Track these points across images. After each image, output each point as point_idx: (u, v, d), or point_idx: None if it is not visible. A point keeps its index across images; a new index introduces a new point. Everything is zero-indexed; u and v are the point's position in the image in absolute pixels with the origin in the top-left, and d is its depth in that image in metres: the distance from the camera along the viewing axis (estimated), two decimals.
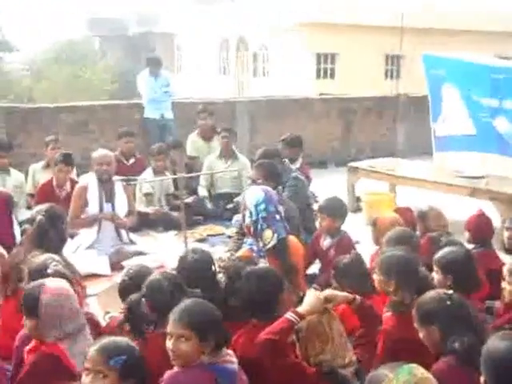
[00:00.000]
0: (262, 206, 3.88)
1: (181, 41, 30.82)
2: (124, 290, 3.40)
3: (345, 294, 3.10)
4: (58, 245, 4.12)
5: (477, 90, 7.10)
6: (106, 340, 2.51)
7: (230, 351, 2.74)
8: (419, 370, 2.25)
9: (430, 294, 2.94)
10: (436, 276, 3.54)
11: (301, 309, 2.91)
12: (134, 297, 3.15)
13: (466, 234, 4.66)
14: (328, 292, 3.04)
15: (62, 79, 27.77)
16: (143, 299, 3.11)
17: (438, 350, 2.82)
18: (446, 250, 3.64)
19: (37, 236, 4.09)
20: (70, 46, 31.81)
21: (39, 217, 4.17)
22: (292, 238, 4.06)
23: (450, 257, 3.56)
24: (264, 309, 3.04)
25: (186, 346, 2.60)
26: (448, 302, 2.82)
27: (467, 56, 7.69)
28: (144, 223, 6.41)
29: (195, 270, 3.49)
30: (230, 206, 6.87)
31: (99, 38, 36.77)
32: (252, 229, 3.90)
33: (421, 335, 2.89)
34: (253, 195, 3.95)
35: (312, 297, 2.94)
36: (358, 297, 3.11)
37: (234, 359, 2.71)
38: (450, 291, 2.92)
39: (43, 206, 4.37)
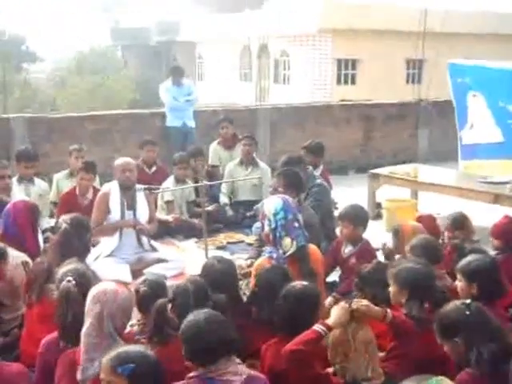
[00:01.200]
0: (281, 215, 3.90)
1: (202, 49, 31.05)
2: (143, 300, 3.42)
3: (377, 309, 3.09)
4: (82, 254, 4.13)
5: (503, 96, 7.08)
6: (118, 349, 2.54)
7: (234, 368, 2.71)
8: (447, 383, 2.28)
9: (449, 306, 2.93)
10: (459, 284, 3.52)
11: (329, 320, 2.96)
12: (160, 301, 3.19)
13: (494, 241, 4.62)
14: (361, 305, 3.03)
15: (84, 88, 28.13)
16: (169, 304, 3.17)
17: (465, 361, 2.80)
18: (470, 257, 3.61)
19: (61, 245, 4.12)
20: (92, 55, 32.23)
21: (64, 225, 4.22)
22: (311, 246, 4.06)
23: (475, 265, 3.51)
24: (300, 326, 3.04)
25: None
26: (467, 312, 2.81)
27: (492, 63, 7.66)
28: (165, 231, 6.42)
29: (218, 279, 3.53)
30: (251, 213, 6.88)
31: (121, 48, 37.18)
32: (271, 237, 3.93)
33: (445, 349, 2.88)
34: (271, 204, 3.97)
35: (340, 309, 2.98)
36: (389, 312, 3.10)
37: (237, 377, 2.68)
38: (468, 300, 2.90)
39: (68, 215, 4.40)
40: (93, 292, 2.95)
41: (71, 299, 3.15)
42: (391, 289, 3.40)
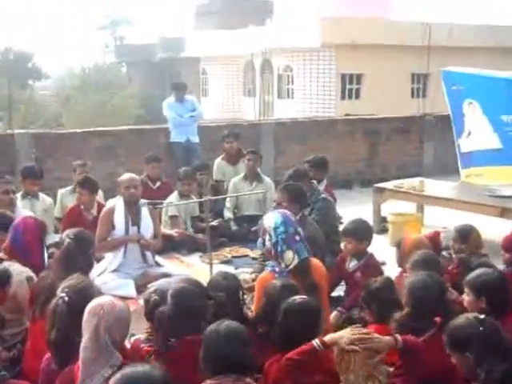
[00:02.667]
0: (281, 229, 3.91)
1: (206, 65, 31.27)
2: (154, 309, 3.41)
3: (387, 340, 3.07)
4: (85, 269, 4.12)
5: (498, 104, 7.08)
6: (125, 370, 2.48)
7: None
8: None
9: (462, 319, 2.91)
10: (467, 298, 3.49)
11: (328, 338, 3.00)
12: (162, 308, 3.21)
13: (505, 255, 4.58)
14: (371, 339, 3.02)
15: (89, 105, 28.34)
16: (170, 308, 3.18)
17: (473, 375, 2.79)
18: (479, 272, 3.58)
19: (64, 259, 4.11)
20: (97, 72, 32.50)
21: (67, 240, 4.20)
22: (314, 259, 4.07)
23: (483, 279, 3.49)
24: (301, 341, 3.05)
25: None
26: (480, 328, 2.79)
27: (487, 71, 7.68)
28: (169, 245, 6.45)
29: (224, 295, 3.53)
30: (255, 228, 6.88)
31: (126, 64, 37.50)
32: (273, 251, 3.94)
33: (453, 360, 2.87)
34: (271, 219, 3.99)
35: (347, 332, 3.02)
36: (399, 338, 3.09)
37: None
38: (482, 316, 2.88)
39: (72, 230, 4.40)
40: (90, 306, 2.95)
41: (57, 315, 3.14)
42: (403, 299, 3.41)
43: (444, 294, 3.48)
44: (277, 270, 3.92)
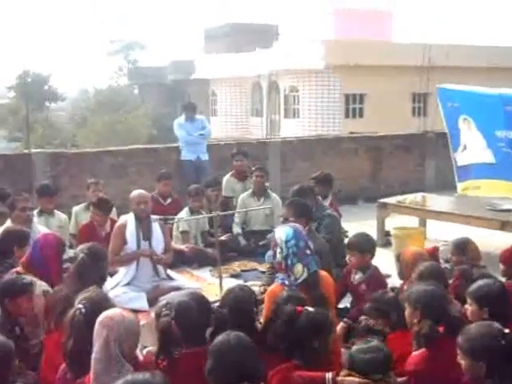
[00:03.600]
0: (292, 242, 3.94)
1: (215, 86, 31.63)
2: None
3: None
4: (99, 282, 4.15)
5: (492, 120, 7.17)
6: (126, 378, 2.56)
7: None
8: None
9: (483, 327, 2.95)
10: (470, 308, 3.53)
11: (340, 379, 2.99)
12: (164, 319, 3.23)
13: (501, 266, 4.66)
14: None
15: (103, 125, 28.66)
16: (173, 321, 3.20)
17: (479, 381, 2.85)
18: (481, 282, 3.62)
19: (78, 273, 4.16)
20: (111, 93, 32.88)
21: (81, 255, 4.26)
22: (323, 272, 4.12)
23: (486, 290, 3.53)
24: (309, 352, 3.10)
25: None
26: (502, 342, 2.81)
27: (481, 88, 7.77)
28: (180, 260, 6.57)
29: (237, 307, 3.59)
30: (263, 242, 7.02)
31: (138, 86, 37.89)
32: (283, 264, 3.96)
33: (462, 363, 2.91)
34: (282, 232, 4.01)
35: (360, 381, 2.96)
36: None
37: None
38: (507, 330, 2.89)
39: (86, 245, 4.46)
40: (100, 318, 2.99)
41: (74, 326, 3.19)
42: (406, 311, 3.45)
43: (445, 301, 3.49)
44: (286, 282, 3.93)
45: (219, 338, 2.88)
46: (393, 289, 4.51)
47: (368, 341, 3.13)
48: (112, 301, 3.50)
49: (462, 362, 2.90)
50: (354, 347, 3.09)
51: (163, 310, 3.42)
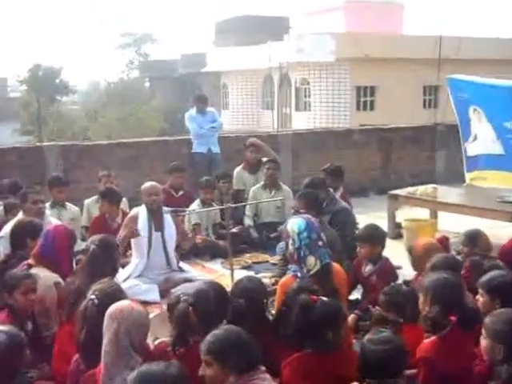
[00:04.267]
0: (305, 234, 3.93)
1: (226, 79, 31.62)
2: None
3: None
4: (110, 274, 4.16)
5: (501, 112, 7.14)
6: (141, 369, 2.57)
7: (263, 375, 2.80)
8: None
9: (510, 313, 3.00)
10: (481, 299, 3.53)
11: None
12: (182, 306, 3.30)
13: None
14: None
15: (114, 119, 28.75)
16: (190, 308, 3.26)
17: (494, 363, 2.91)
18: (493, 273, 3.62)
19: (90, 265, 4.19)
20: (121, 87, 32.97)
21: (93, 246, 4.30)
22: (335, 264, 4.12)
23: (498, 281, 3.52)
24: (321, 341, 3.12)
25: (210, 371, 2.79)
26: None
27: (491, 79, 7.76)
28: (192, 252, 6.62)
29: (248, 297, 3.63)
30: (274, 234, 7.05)
31: (149, 79, 37.95)
32: (295, 256, 3.96)
33: (482, 342, 2.97)
34: (295, 224, 4.01)
35: None
36: None
37: (265, 382, 2.77)
38: None
39: (97, 236, 4.49)
40: (110, 310, 3.02)
41: (87, 317, 3.22)
42: (420, 300, 3.46)
43: (463, 293, 3.48)
44: (298, 274, 3.95)
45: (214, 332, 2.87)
46: (406, 282, 4.49)
47: (380, 331, 3.12)
48: (124, 292, 3.52)
49: (483, 341, 2.94)
50: (366, 337, 3.08)
51: (181, 296, 3.48)
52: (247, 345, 2.79)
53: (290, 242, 3.99)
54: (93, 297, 3.28)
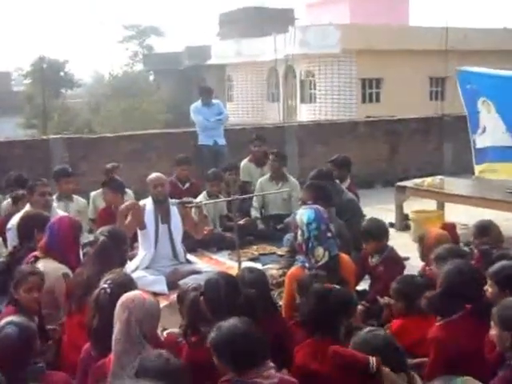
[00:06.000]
0: (314, 225, 3.95)
1: (231, 71, 31.58)
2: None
3: None
4: (119, 265, 4.20)
5: (511, 103, 7.12)
6: (142, 358, 2.59)
7: (267, 372, 2.77)
8: (473, 382, 2.33)
9: None
10: (490, 290, 3.49)
11: (385, 370, 2.93)
12: (192, 294, 3.33)
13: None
14: None
15: (119, 111, 28.75)
16: (201, 297, 3.28)
17: (503, 351, 2.92)
18: (502, 264, 3.56)
19: (99, 256, 4.20)
20: (126, 80, 32.95)
21: (102, 237, 4.32)
22: (343, 255, 4.14)
23: (507, 272, 3.46)
24: (333, 327, 3.14)
25: (215, 361, 2.84)
26: None
27: (500, 71, 7.72)
28: (198, 244, 6.60)
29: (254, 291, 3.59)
30: (281, 226, 7.03)
31: (153, 72, 37.93)
32: (304, 247, 3.98)
33: (492, 331, 2.97)
34: (304, 214, 4.02)
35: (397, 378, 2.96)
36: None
37: (268, 381, 2.74)
38: None
39: (106, 228, 4.51)
40: (121, 300, 3.05)
41: (99, 305, 3.25)
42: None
43: (479, 282, 3.43)
44: (307, 265, 3.96)
45: (219, 325, 2.86)
46: (421, 274, 4.47)
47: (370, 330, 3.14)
48: (135, 283, 3.55)
49: (492, 330, 2.95)
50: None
51: (192, 286, 3.55)
52: (249, 343, 2.76)
53: (299, 232, 4.00)
54: (105, 286, 3.31)
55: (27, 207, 5.83)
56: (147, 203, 5.83)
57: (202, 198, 7.03)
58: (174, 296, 4.64)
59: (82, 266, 4.36)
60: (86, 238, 6.18)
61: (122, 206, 5.80)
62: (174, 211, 5.83)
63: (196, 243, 6.52)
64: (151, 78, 38.89)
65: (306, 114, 25.31)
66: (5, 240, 5.85)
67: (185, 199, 6.03)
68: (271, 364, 2.81)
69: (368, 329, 3.15)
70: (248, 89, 30.28)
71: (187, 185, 7.64)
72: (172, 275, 5.61)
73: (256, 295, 3.47)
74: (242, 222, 6.92)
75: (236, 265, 5.59)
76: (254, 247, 6.76)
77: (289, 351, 3.27)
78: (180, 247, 5.87)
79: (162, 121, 28.16)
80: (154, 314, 3.06)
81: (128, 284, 3.38)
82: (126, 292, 3.13)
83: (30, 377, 3.00)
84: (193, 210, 6.88)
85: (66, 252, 4.57)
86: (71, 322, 3.91)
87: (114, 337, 2.98)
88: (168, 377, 2.56)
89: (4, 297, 4.85)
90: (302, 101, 27.16)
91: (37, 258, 4.54)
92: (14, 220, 5.56)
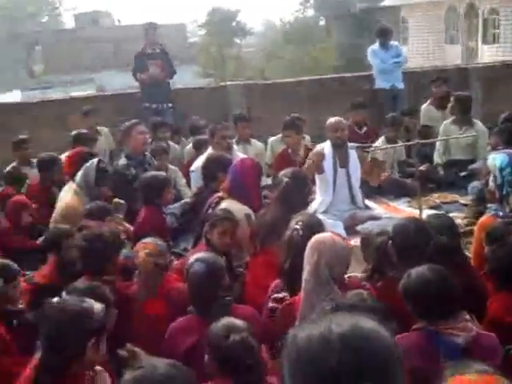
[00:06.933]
0: (508, 170, 3.76)
1: (406, 13, 30.21)
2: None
3: None
4: (301, 207, 4.24)
5: None
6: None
7: (463, 324, 2.64)
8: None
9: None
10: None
11: None
12: (381, 238, 3.30)
13: None
14: None
15: (290, 58, 28.93)
16: (389, 241, 3.22)
17: None
18: None
19: (283, 198, 4.29)
20: (297, 26, 32.98)
21: (285, 179, 4.39)
22: None
23: None
24: None
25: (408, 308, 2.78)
26: None
27: None
28: (375, 190, 6.43)
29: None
30: (464, 173, 6.67)
31: (324, 18, 37.52)
32: (497, 193, 3.81)
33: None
34: (497, 159, 3.84)
35: None
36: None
37: (464, 333, 2.60)
38: None
39: (288, 170, 4.59)
40: (311, 241, 3.05)
41: (292, 247, 3.30)
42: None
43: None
44: (500, 214, 3.79)
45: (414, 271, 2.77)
46: None
47: None
48: (324, 225, 3.55)
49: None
50: None
51: (375, 231, 3.63)
52: (443, 291, 2.65)
53: (491, 178, 3.84)
54: (297, 227, 3.34)
55: (209, 150, 6.06)
56: (325, 147, 5.77)
57: (380, 143, 6.89)
58: (353, 240, 4.60)
59: (265, 207, 4.46)
60: (264, 181, 6.35)
61: (312, 153, 5.74)
62: (353, 155, 5.74)
63: (373, 189, 6.37)
64: (322, 23, 38.46)
65: (487, 56, 23.49)
66: (188, 182, 6.18)
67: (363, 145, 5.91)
68: (467, 316, 2.68)
69: None
70: (424, 30, 28.74)
71: (364, 129, 7.53)
72: (350, 220, 5.55)
73: (446, 242, 3.35)
74: (422, 168, 6.60)
75: (417, 212, 5.37)
76: (435, 195, 6.46)
77: (480, 303, 3.13)
78: (358, 192, 5.78)
79: (334, 67, 27.81)
80: (343, 256, 3.04)
81: (318, 225, 3.40)
82: (316, 233, 3.14)
83: (218, 310, 3.12)
84: (369, 155, 6.76)
85: (249, 193, 4.72)
86: (255, 261, 4.05)
87: (303, 276, 3.01)
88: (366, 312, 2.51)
89: (189, 235, 5.16)
90: (484, 42, 25.22)
91: (221, 199, 4.72)
92: (198, 162, 5.82)
